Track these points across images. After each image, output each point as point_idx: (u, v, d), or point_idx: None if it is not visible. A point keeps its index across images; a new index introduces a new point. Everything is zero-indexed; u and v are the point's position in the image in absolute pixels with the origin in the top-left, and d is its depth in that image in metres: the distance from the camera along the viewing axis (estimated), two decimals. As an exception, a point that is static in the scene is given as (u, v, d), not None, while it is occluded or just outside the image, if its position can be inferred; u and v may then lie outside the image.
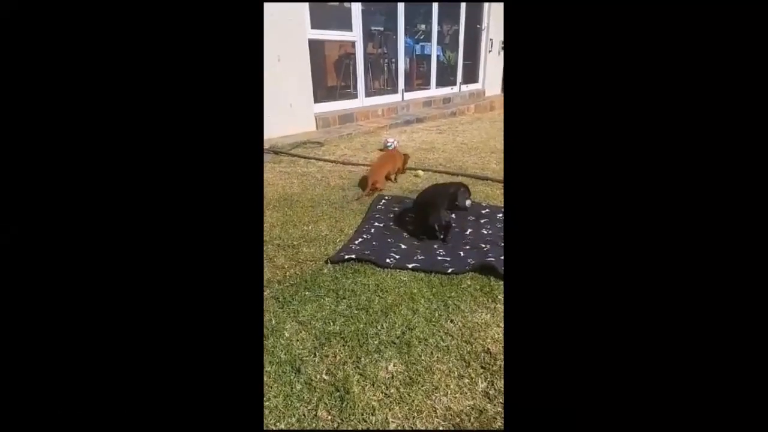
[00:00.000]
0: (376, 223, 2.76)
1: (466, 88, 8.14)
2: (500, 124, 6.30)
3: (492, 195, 3.32)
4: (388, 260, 2.23)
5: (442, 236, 2.48)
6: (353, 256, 2.24)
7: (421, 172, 3.90)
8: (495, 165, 4.16)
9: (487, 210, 2.98)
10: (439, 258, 2.28)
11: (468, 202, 2.92)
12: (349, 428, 1.17)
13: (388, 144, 4.79)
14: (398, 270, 2.14)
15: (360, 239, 2.50)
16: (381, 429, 1.17)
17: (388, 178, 3.98)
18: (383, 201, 3.21)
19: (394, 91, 7.08)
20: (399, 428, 1.18)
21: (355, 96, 6.47)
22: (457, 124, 6.49)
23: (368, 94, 6.66)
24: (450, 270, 2.13)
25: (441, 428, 1.18)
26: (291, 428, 1.17)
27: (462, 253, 2.32)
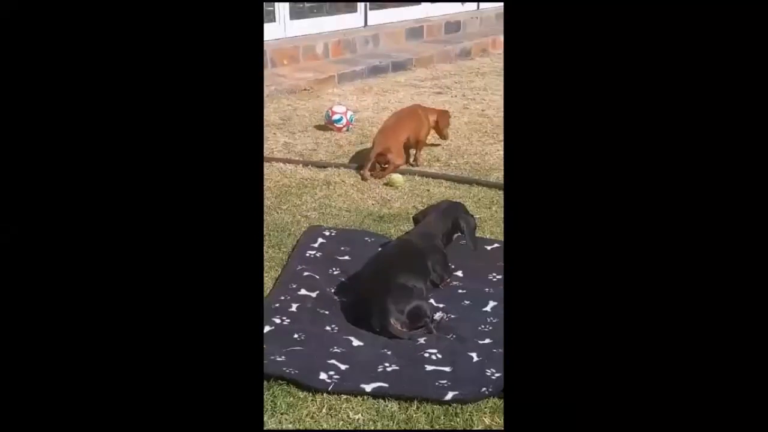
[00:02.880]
0: (303, 290, 2.74)
1: (489, 4, 8.29)
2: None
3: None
4: (323, 375, 2.17)
5: (419, 328, 2.49)
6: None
7: (398, 179, 3.87)
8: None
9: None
10: (430, 368, 2.26)
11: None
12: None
13: (335, 117, 4.78)
14: (346, 396, 2.11)
15: (267, 327, 2.47)
16: (381, 429, 2.00)
17: (406, 149, 4.29)
18: (320, 240, 3.16)
19: (349, 7, 7.16)
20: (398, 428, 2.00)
21: (271, 18, 6.55)
22: (474, 74, 6.63)
23: (295, 15, 6.77)
24: (451, 395, 2.09)
25: (439, 429, 1.99)
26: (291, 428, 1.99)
27: (476, 355, 2.31)
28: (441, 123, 4.41)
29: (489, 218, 3.45)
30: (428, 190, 3.81)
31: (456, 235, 3.00)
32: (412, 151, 4.29)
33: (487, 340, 2.42)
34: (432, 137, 4.49)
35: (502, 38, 7.65)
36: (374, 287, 2.56)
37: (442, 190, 3.81)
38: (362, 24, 7.17)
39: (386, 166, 3.98)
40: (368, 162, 3.98)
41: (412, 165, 4.20)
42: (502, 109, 5.38)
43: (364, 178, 3.93)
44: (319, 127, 4.82)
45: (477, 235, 3.19)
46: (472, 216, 3.10)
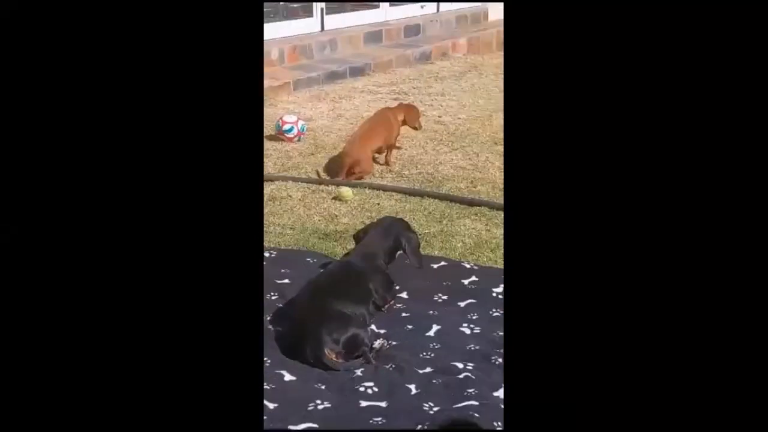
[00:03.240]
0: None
1: (449, 5, 8.20)
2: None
3: (487, 239, 3.23)
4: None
5: (357, 358, 2.37)
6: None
7: (347, 192, 3.75)
8: (498, 172, 4.08)
9: (473, 279, 2.87)
10: (365, 403, 2.15)
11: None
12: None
13: (286, 127, 4.64)
14: (273, 436, 2.01)
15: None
16: (381, 429, 2.04)
17: (377, 155, 4.36)
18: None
19: (306, 12, 7.03)
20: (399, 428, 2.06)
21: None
22: (433, 79, 6.53)
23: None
24: (385, 434, 1.99)
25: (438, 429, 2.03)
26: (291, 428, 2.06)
27: (414, 387, 2.22)
28: (408, 119, 4.44)
29: (439, 233, 3.34)
30: (378, 204, 3.69)
31: (399, 253, 2.88)
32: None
33: (428, 369, 2.32)
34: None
35: (461, 41, 7.56)
36: (309, 315, 2.43)
37: (392, 203, 3.69)
38: (319, 29, 7.03)
39: (357, 176, 4.04)
40: (342, 174, 4.04)
41: (386, 164, 4.31)
42: (459, 116, 5.30)
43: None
44: (269, 138, 4.68)
45: (425, 252, 3.09)
46: (415, 233, 2.98)
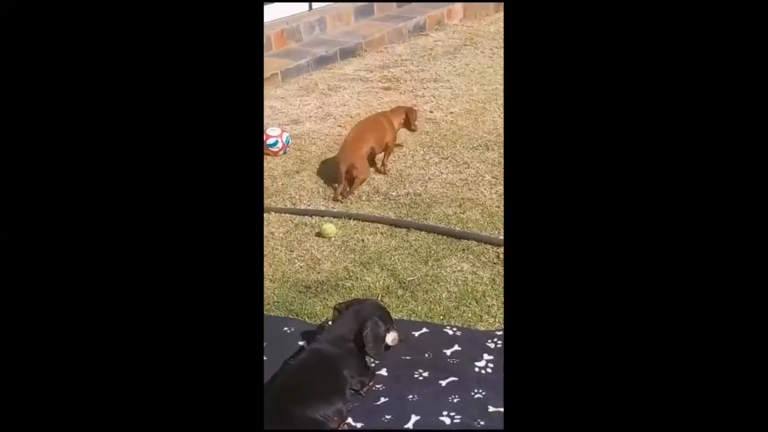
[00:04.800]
0: None
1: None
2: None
3: (473, 286, 3.06)
4: None
5: None
6: None
7: (331, 229, 3.59)
8: (487, 189, 3.89)
9: (456, 349, 2.73)
10: None
11: (391, 338, 2.68)
12: None
13: (270, 141, 4.45)
14: None
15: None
16: (389, 429, 2.27)
17: (371, 158, 4.27)
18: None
19: (293, -10, 6.74)
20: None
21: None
22: (426, 57, 6.26)
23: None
24: None
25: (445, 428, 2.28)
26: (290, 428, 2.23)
27: None
28: (406, 123, 4.39)
29: (424, 278, 3.18)
30: (362, 240, 3.52)
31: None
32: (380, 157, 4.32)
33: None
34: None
35: (457, 6, 7.23)
36: (274, 424, 2.33)
37: (377, 240, 3.52)
38: (307, 8, 6.74)
39: (354, 181, 4.03)
40: (340, 183, 4.01)
41: (382, 171, 4.24)
42: (451, 110, 5.07)
43: (336, 200, 3.96)
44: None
45: (408, 307, 2.96)
46: (386, 325, 2.72)
